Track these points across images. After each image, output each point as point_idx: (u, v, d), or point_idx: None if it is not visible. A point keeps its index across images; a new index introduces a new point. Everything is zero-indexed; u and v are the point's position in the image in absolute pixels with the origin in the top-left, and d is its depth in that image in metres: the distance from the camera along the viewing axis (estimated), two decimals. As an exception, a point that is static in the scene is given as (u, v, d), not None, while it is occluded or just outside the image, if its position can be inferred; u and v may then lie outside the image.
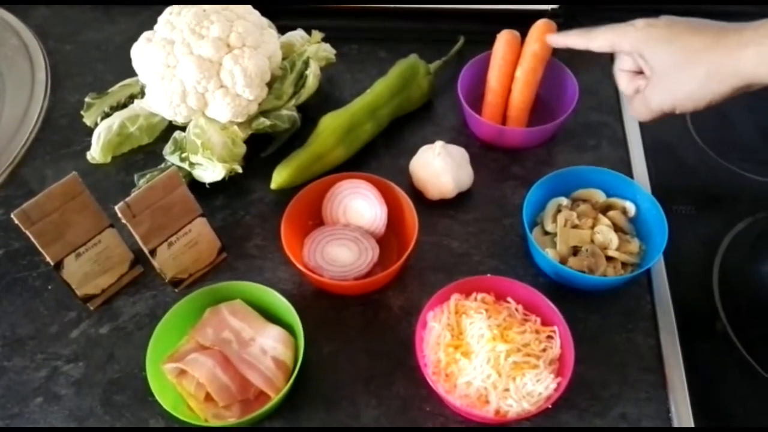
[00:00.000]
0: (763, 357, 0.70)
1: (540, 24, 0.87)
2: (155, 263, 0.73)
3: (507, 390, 0.63)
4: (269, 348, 0.68)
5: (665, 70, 0.64)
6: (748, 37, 0.59)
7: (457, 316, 0.69)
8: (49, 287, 0.78)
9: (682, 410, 0.67)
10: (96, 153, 0.87)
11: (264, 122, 0.86)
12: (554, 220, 0.77)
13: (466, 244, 0.80)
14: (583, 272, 0.73)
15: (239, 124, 0.85)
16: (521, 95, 0.88)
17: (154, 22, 0.85)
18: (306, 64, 0.89)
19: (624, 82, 0.72)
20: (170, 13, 0.83)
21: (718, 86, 0.61)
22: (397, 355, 0.71)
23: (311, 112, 0.89)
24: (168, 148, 0.85)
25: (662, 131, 0.91)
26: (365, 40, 1.04)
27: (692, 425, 0.66)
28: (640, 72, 0.71)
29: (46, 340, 0.74)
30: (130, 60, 0.85)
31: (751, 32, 0.59)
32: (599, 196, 0.80)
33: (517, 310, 0.69)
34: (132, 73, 0.88)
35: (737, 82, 0.60)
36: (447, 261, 0.79)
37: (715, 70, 0.61)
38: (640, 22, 0.66)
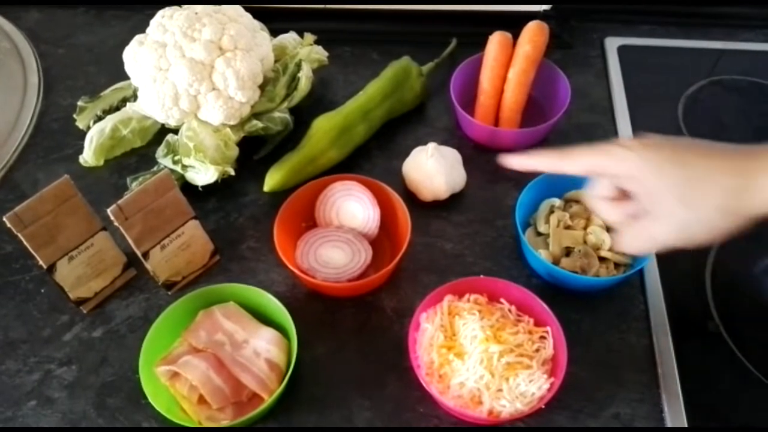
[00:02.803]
0: (756, 357, 0.70)
1: (532, 25, 0.87)
2: (148, 266, 0.73)
3: (500, 390, 0.63)
4: (262, 350, 0.68)
5: (675, 200, 0.54)
6: None
7: (450, 317, 0.69)
8: (42, 290, 0.78)
9: (675, 410, 0.67)
10: (88, 156, 0.87)
11: (256, 125, 0.86)
12: (547, 221, 0.78)
13: (459, 245, 0.81)
14: (576, 273, 0.73)
15: (232, 127, 0.85)
16: (513, 96, 0.88)
17: (146, 25, 0.84)
18: (298, 66, 0.89)
19: (607, 210, 0.61)
20: (162, 16, 0.83)
21: (738, 219, 0.53)
22: (390, 357, 0.71)
23: (304, 114, 0.89)
24: (161, 150, 0.85)
25: (655, 132, 0.91)
26: (358, 43, 1.04)
27: (685, 425, 0.66)
28: (623, 196, 0.60)
29: (39, 344, 0.74)
30: (122, 63, 0.85)
31: None
32: (591, 196, 0.80)
33: (510, 311, 0.70)
34: (124, 77, 0.88)
35: (763, 211, 0.52)
36: (440, 262, 0.79)
37: (737, 200, 0.52)
38: (630, 142, 0.57)
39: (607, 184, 0.60)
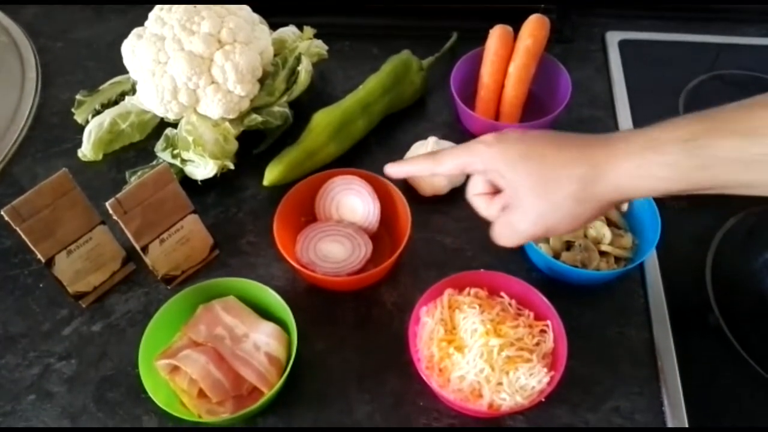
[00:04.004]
0: (755, 350, 0.70)
1: (533, 19, 0.87)
2: (147, 260, 0.73)
3: (500, 384, 0.63)
4: (262, 344, 0.68)
5: (531, 192, 0.56)
6: (621, 150, 0.52)
7: (451, 311, 0.69)
8: (41, 285, 0.78)
9: (675, 404, 0.67)
10: (87, 150, 0.87)
11: (256, 119, 0.85)
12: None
13: (459, 240, 0.80)
14: (576, 267, 0.73)
15: (231, 121, 0.84)
16: (514, 91, 0.88)
17: (145, 20, 0.84)
18: (298, 60, 0.89)
19: (483, 206, 0.62)
20: (161, 9, 0.83)
21: (593, 205, 0.55)
22: (390, 351, 0.71)
23: (303, 108, 0.89)
24: (159, 145, 0.85)
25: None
26: (358, 37, 1.04)
27: (685, 418, 0.66)
28: (496, 192, 0.61)
29: (38, 338, 0.74)
30: (120, 58, 0.85)
31: (623, 144, 0.53)
32: (592, 190, 0.80)
33: (510, 304, 0.70)
34: (122, 71, 0.88)
35: (616, 197, 0.54)
36: (440, 257, 0.79)
37: (589, 188, 0.53)
38: (489, 138, 0.58)
39: (480, 180, 0.62)
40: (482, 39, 0.90)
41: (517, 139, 0.57)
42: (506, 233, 0.60)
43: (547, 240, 0.76)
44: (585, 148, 0.54)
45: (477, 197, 0.62)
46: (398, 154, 0.86)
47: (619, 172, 0.52)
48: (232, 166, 0.82)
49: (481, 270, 0.72)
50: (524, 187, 0.56)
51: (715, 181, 0.51)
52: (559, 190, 0.54)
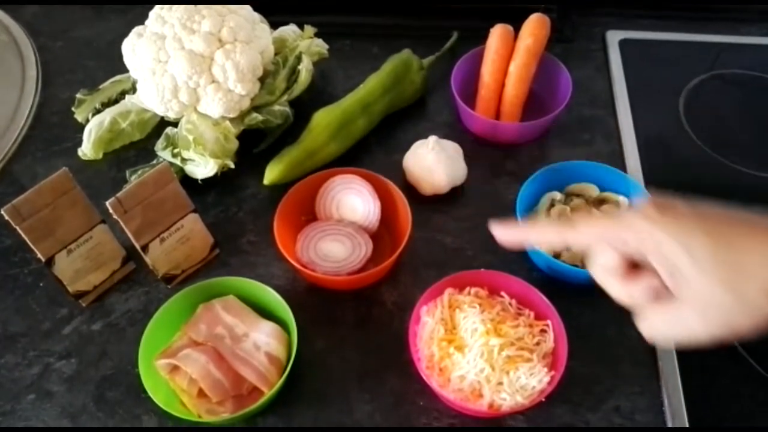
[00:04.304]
0: (756, 350, 0.70)
1: (533, 18, 0.87)
2: (147, 259, 0.73)
3: (500, 384, 0.63)
4: (262, 343, 0.68)
5: (712, 281, 0.44)
6: None
7: (451, 311, 0.68)
8: (41, 284, 0.78)
9: (675, 403, 0.67)
10: (87, 149, 0.86)
11: (256, 118, 0.85)
12: (548, 215, 0.77)
13: (459, 239, 0.80)
14: (577, 266, 0.72)
15: (231, 120, 0.84)
16: (515, 90, 0.88)
17: (144, 19, 0.84)
18: (298, 59, 0.89)
19: (617, 288, 0.50)
20: (161, 7, 0.83)
21: None
22: (390, 351, 0.71)
23: (304, 107, 0.89)
24: (160, 144, 0.84)
25: (656, 125, 0.91)
26: (358, 36, 1.04)
27: (685, 418, 0.66)
28: (634, 266, 0.50)
29: (38, 337, 0.74)
30: (120, 57, 0.85)
31: None
32: (593, 190, 0.80)
33: (510, 304, 0.69)
34: (123, 70, 0.88)
35: None
36: (440, 256, 0.79)
37: None
38: (649, 210, 0.47)
39: (612, 254, 0.50)
40: (483, 38, 0.89)
41: (691, 214, 0.46)
42: (671, 331, 0.48)
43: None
44: None
45: (609, 276, 0.50)
46: (398, 153, 0.86)
47: None
48: (232, 165, 0.82)
49: (482, 269, 0.71)
50: (703, 275, 0.45)
51: None
52: (751, 282, 0.44)
